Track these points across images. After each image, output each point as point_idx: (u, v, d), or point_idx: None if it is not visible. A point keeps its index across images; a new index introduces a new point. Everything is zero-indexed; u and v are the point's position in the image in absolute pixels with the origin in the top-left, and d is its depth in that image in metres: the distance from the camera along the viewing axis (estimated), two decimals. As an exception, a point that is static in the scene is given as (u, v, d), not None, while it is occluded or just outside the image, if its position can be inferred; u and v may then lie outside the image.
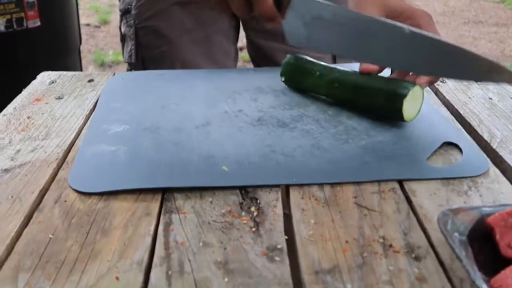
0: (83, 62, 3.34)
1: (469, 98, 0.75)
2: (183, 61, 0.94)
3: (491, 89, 0.78)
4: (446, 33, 3.83)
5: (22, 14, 1.60)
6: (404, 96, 0.62)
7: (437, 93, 0.78)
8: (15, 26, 1.61)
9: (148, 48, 0.96)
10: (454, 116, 0.69)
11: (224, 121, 0.64)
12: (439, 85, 0.79)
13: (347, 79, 0.67)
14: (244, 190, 0.53)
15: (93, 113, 0.69)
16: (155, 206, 0.51)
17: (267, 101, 0.69)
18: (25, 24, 1.62)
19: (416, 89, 0.63)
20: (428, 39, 0.53)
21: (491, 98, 0.74)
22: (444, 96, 0.75)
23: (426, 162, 0.56)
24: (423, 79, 0.62)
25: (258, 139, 0.59)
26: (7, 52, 1.65)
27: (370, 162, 0.55)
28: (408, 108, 0.62)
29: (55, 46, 1.77)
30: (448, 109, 0.72)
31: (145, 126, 0.63)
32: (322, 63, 0.70)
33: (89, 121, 0.68)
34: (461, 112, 0.70)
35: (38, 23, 1.65)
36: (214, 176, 0.53)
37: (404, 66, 0.58)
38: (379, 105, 0.63)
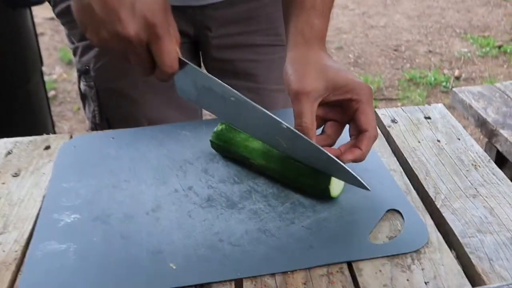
0: (49, 61, 3.27)
1: (419, 142, 0.77)
2: (149, 118, 0.95)
3: (439, 128, 0.80)
4: (415, 5, 3.82)
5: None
6: (330, 176, 0.64)
7: (388, 137, 0.79)
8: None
9: (112, 109, 0.97)
10: (402, 168, 0.71)
11: (174, 203, 0.65)
12: (390, 126, 0.80)
13: (272, 157, 0.69)
14: (199, 285, 0.55)
15: (45, 197, 0.69)
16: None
17: (217, 172, 0.70)
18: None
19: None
20: (297, 136, 0.63)
21: (439, 141, 0.77)
22: (394, 141, 0.77)
23: (370, 240, 0.58)
24: (348, 156, 0.63)
25: (207, 225, 0.61)
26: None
27: (316, 246, 0.58)
28: (335, 185, 0.65)
29: (14, 74, 1.73)
30: (397, 159, 0.73)
31: (95, 215, 0.64)
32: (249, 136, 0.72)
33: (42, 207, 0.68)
34: (410, 162, 0.72)
35: (-6, 55, 1.61)
36: (163, 276, 0.55)
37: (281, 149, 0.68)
38: (304, 183, 0.66)
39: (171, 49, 0.59)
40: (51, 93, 2.99)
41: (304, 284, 0.54)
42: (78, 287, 0.55)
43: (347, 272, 0.56)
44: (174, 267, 0.56)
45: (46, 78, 3.05)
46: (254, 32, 0.97)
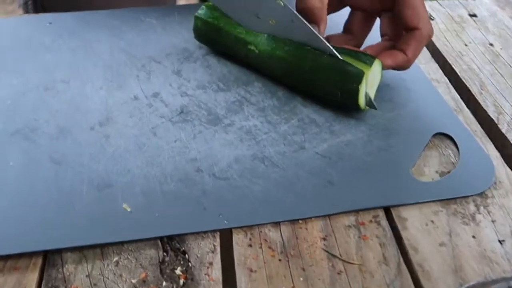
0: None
1: (465, 45, 0.57)
2: (99, 7, 0.70)
3: (490, 29, 0.60)
4: None
5: None
6: (361, 76, 0.44)
7: (422, 37, 0.59)
8: None
9: None
10: (447, 77, 0.52)
11: (132, 116, 0.45)
12: (424, 24, 0.60)
13: (281, 41, 0.48)
14: (166, 237, 0.36)
15: None
16: (31, 278, 0.35)
17: (194, 75, 0.50)
18: None
19: (376, 63, 0.46)
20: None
21: (491, 44, 0.58)
22: (433, 43, 0.58)
23: (413, 175, 0.41)
24: (387, 60, 0.46)
25: (179, 148, 0.42)
26: None
27: (338, 182, 0.40)
28: (365, 90, 0.46)
29: None
30: (439, 64, 0.54)
31: (15, 128, 0.44)
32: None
33: None
34: (457, 71, 0.53)
35: None
36: (112, 222, 0.37)
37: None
38: (326, 79, 0.46)
39: None
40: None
41: (324, 239, 0.37)
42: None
43: (384, 223, 0.38)
44: (128, 209, 0.37)
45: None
46: None
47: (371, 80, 0.45)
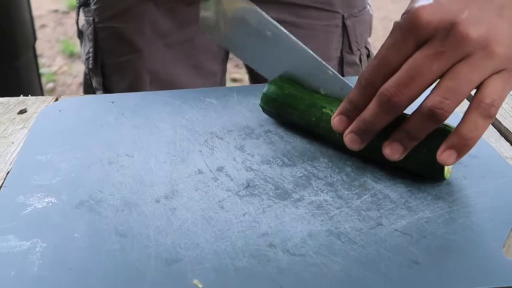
0: (50, 53, 3.11)
1: (535, 124, 0.55)
2: (153, 72, 0.77)
3: (559, 109, 0.58)
4: None
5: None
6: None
7: (487, 117, 0.58)
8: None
9: (110, 54, 0.79)
10: (522, 156, 0.50)
11: (198, 189, 0.44)
12: (487, 104, 0.59)
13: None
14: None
15: (9, 173, 0.49)
16: None
17: (258, 150, 0.50)
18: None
19: None
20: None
21: None
22: (500, 122, 0.56)
23: (506, 256, 0.37)
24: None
25: (248, 222, 0.41)
26: None
27: (424, 262, 0.38)
28: None
29: (2, 47, 1.53)
30: (509, 143, 0.52)
31: (80, 199, 0.43)
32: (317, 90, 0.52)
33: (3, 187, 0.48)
34: (532, 150, 0.51)
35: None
36: None
37: None
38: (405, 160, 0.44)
39: None
40: (49, 86, 2.82)
41: (415, 325, 0.33)
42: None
43: (481, 308, 0.35)
44: (200, 286, 0.35)
45: (46, 70, 2.90)
46: None
47: None
